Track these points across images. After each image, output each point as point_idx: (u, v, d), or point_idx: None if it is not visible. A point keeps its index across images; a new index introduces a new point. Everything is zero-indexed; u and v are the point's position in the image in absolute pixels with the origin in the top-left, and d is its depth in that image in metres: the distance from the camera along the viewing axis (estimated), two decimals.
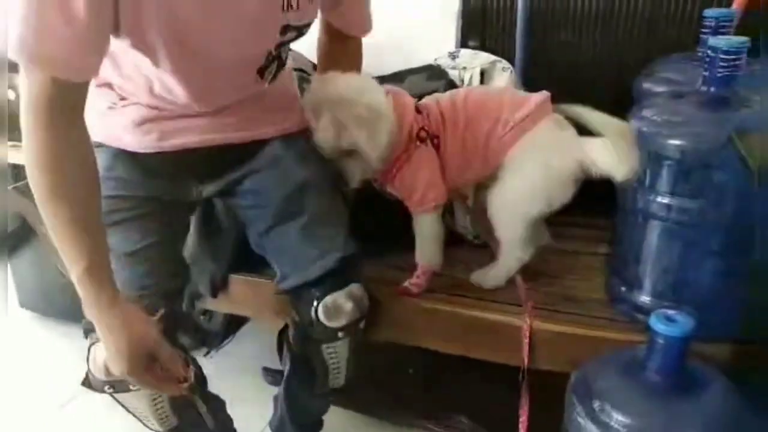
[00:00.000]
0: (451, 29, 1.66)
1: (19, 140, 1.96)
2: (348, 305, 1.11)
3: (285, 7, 0.98)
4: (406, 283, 1.23)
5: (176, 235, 1.17)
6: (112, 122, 1.07)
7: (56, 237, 0.87)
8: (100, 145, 1.04)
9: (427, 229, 1.20)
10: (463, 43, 1.66)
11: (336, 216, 1.17)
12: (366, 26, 1.21)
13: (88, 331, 1.00)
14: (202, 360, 1.19)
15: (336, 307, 1.11)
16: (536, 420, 1.12)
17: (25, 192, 1.58)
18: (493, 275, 1.25)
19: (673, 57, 1.33)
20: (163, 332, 0.96)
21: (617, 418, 0.89)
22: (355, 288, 1.12)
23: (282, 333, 1.71)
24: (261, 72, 1.09)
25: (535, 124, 1.12)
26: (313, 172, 1.16)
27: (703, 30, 1.20)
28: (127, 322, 0.89)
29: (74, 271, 0.87)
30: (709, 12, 1.20)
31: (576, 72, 1.58)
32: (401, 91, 1.18)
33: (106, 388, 1.02)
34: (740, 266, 1.02)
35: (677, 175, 1.00)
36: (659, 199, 1.04)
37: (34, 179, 0.84)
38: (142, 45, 0.90)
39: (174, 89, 1.01)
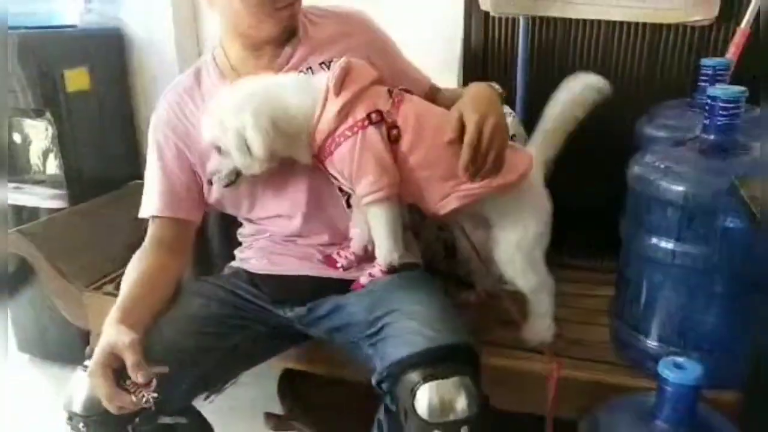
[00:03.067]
0: (452, 75, 1.69)
1: (23, 182, 2.00)
2: (459, 400, 0.92)
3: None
4: (363, 279, 1.12)
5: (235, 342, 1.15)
6: (245, 255, 1.26)
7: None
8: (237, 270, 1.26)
9: (382, 220, 1.06)
10: None
11: (443, 309, 1.04)
12: (423, 78, 1.22)
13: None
14: (202, 403, 1.18)
15: (442, 398, 0.92)
16: None
17: (29, 235, 1.59)
18: (542, 327, 1.20)
19: (672, 103, 1.36)
20: None
21: None
22: (469, 382, 0.94)
23: (283, 378, 1.70)
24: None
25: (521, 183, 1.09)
26: (408, 275, 1.12)
27: (701, 78, 1.23)
28: (114, 330, 1.00)
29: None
30: (706, 61, 1.23)
31: None
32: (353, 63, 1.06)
33: (80, 426, 1.02)
34: (746, 312, 1.02)
35: (681, 221, 1.01)
36: (663, 244, 1.05)
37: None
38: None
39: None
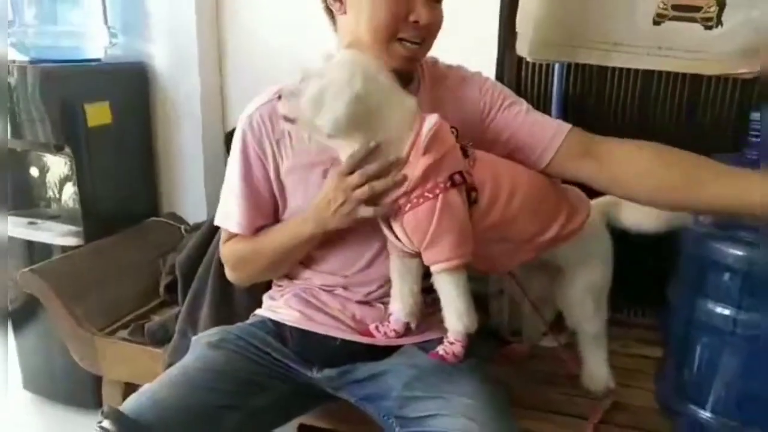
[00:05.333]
0: None
1: (38, 217, 1.96)
2: None
3: None
4: (440, 350, 1.03)
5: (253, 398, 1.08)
6: (275, 304, 1.20)
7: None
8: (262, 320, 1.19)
9: (456, 289, 0.99)
10: None
11: (494, 400, 0.98)
12: (558, 126, 1.09)
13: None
14: None
15: None
16: None
17: (41, 273, 1.53)
18: (603, 372, 1.19)
19: (720, 157, 1.30)
20: None
21: None
22: None
23: (301, 430, 1.62)
24: None
25: (581, 229, 1.08)
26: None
27: (752, 133, 1.18)
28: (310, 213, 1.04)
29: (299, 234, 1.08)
30: (757, 115, 1.18)
31: None
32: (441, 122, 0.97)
33: None
34: None
35: (742, 288, 0.96)
36: (720, 310, 0.99)
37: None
38: None
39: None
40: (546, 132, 1.07)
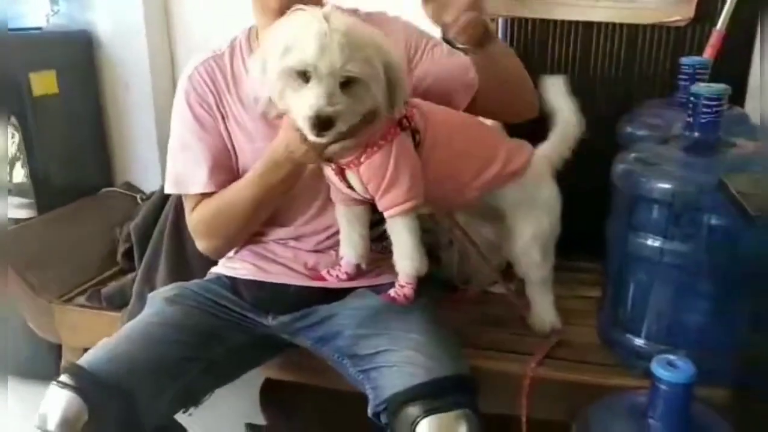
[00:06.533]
0: None
1: None
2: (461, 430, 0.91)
3: None
4: (391, 292, 1.07)
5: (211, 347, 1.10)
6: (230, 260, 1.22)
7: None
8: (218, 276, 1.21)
9: (409, 232, 1.02)
10: None
11: (440, 336, 1.03)
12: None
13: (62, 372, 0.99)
14: (180, 416, 1.14)
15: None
16: None
17: None
18: (550, 313, 1.24)
19: (652, 102, 1.36)
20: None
21: None
22: (470, 414, 0.93)
23: (265, 388, 1.66)
24: None
25: (524, 171, 1.13)
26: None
27: (681, 77, 1.24)
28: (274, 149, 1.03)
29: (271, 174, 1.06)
30: (685, 60, 1.24)
31: None
32: None
33: None
34: (735, 309, 1.03)
35: (668, 219, 1.01)
36: (650, 242, 1.05)
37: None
38: None
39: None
40: (468, 74, 1.11)
